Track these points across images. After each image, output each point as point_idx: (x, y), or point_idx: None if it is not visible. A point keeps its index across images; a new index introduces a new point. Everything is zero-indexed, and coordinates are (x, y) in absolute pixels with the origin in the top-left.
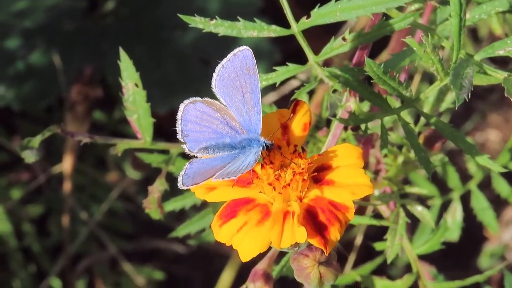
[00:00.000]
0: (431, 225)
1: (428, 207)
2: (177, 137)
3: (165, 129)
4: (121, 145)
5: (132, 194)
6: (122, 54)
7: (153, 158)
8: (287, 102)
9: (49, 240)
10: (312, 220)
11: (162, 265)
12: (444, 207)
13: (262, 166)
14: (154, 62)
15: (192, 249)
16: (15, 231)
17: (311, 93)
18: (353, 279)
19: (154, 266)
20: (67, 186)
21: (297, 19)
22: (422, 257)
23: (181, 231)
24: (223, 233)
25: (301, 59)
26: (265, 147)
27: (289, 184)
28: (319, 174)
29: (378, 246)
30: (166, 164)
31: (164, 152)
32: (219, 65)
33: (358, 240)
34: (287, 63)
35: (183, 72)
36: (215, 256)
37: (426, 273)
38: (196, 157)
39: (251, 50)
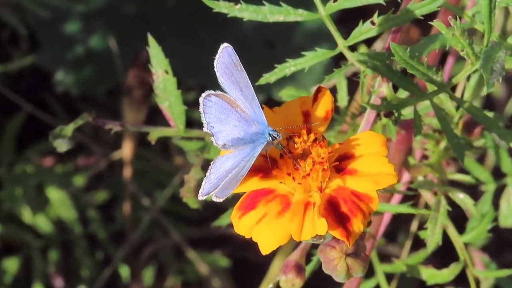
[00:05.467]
0: (473, 213)
1: (481, 193)
2: (203, 130)
3: None
4: (154, 133)
5: None
6: (151, 40)
7: (190, 145)
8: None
9: (114, 226)
10: (334, 211)
11: (231, 251)
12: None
13: (281, 155)
14: (217, 45)
15: None
16: (80, 217)
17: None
18: (400, 269)
19: (223, 252)
20: (127, 172)
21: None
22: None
23: (224, 220)
24: (242, 225)
25: None
26: (270, 138)
27: (308, 174)
28: (341, 163)
29: (423, 234)
30: (201, 151)
31: (202, 139)
32: (214, 62)
33: (414, 227)
34: (315, 48)
35: (246, 55)
36: None
37: (478, 261)
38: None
39: (231, 47)
